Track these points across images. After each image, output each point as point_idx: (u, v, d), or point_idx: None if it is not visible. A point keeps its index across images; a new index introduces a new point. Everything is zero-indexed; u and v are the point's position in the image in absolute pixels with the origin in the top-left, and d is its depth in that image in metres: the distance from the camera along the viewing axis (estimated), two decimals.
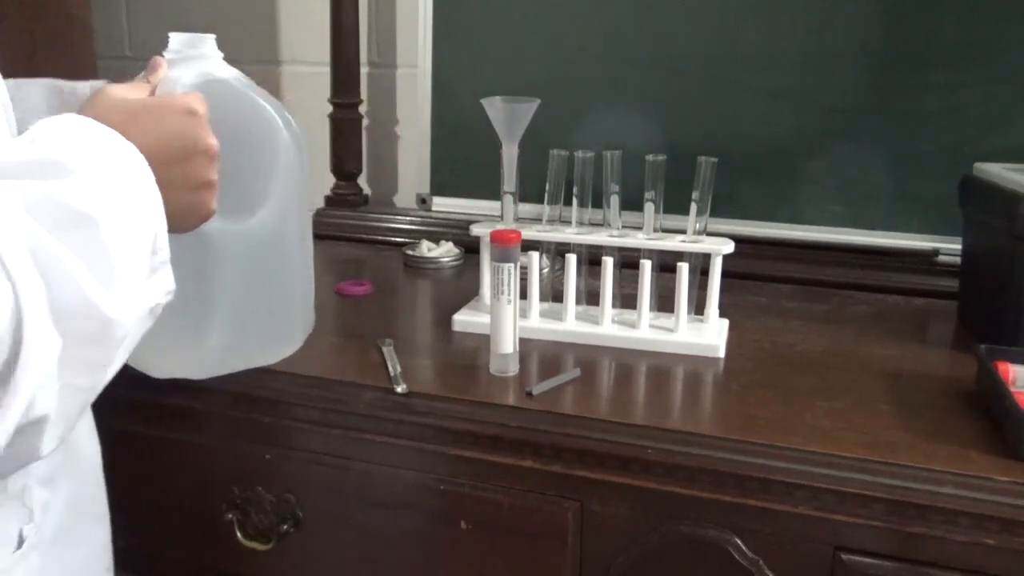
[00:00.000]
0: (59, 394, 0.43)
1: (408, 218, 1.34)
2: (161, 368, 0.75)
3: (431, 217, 1.33)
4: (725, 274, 0.89)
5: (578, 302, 0.93)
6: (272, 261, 0.74)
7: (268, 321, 0.76)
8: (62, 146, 0.46)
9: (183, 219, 0.57)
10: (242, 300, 0.72)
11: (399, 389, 0.76)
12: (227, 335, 0.73)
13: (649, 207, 0.90)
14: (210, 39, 0.69)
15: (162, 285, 0.51)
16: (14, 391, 0.40)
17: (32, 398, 0.41)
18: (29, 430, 0.42)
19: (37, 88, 0.67)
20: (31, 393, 0.40)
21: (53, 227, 0.42)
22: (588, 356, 0.86)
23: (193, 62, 0.68)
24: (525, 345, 0.87)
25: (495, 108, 0.89)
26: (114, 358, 0.47)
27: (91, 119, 0.50)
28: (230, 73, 0.70)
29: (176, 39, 0.69)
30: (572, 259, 0.91)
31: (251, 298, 0.73)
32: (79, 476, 0.63)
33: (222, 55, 0.70)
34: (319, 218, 1.37)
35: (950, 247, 1.09)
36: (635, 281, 0.89)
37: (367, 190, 1.42)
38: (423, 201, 1.34)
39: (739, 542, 0.68)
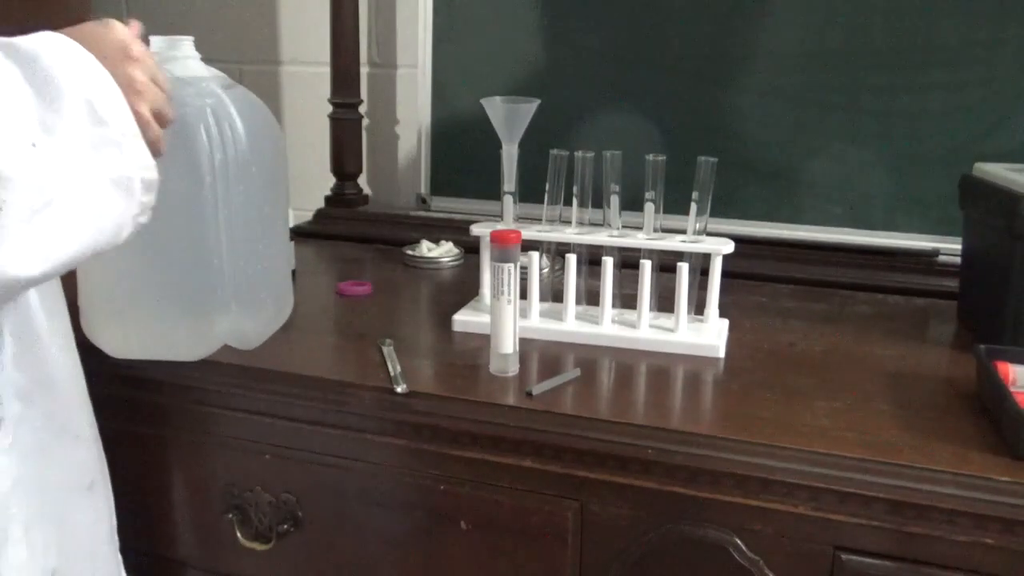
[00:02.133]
0: None
1: (408, 218, 1.34)
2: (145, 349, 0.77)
3: (431, 217, 1.33)
4: (725, 274, 0.89)
5: (578, 302, 0.93)
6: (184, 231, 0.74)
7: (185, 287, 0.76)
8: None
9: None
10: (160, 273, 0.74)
11: (399, 389, 0.76)
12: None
13: (649, 207, 0.90)
14: (188, 41, 0.74)
15: (128, 160, 0.54)
16: None
17: None
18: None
19: None
20: None
21: None
22: (588, 356, 0.86)
23: (174, 62, 0.73)
24: (525, 345, 0.87)
25: (495, 108, 0.89)
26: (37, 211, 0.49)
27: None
28: (208, 72, 0.75)
29: (155, 42, 0.73)
30: (572, 259, 0.91)
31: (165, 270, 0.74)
32: (57, 396, 0.65)
33: (199, 56, 0.76)
34: (319, 218, 1.37)
35: (950, 247, 1.09)
36: (635, 281, 0.89)
37: (367, 190, 1.42)
38: (423, 201, 1.34)
39: (739, 542, 0.68)
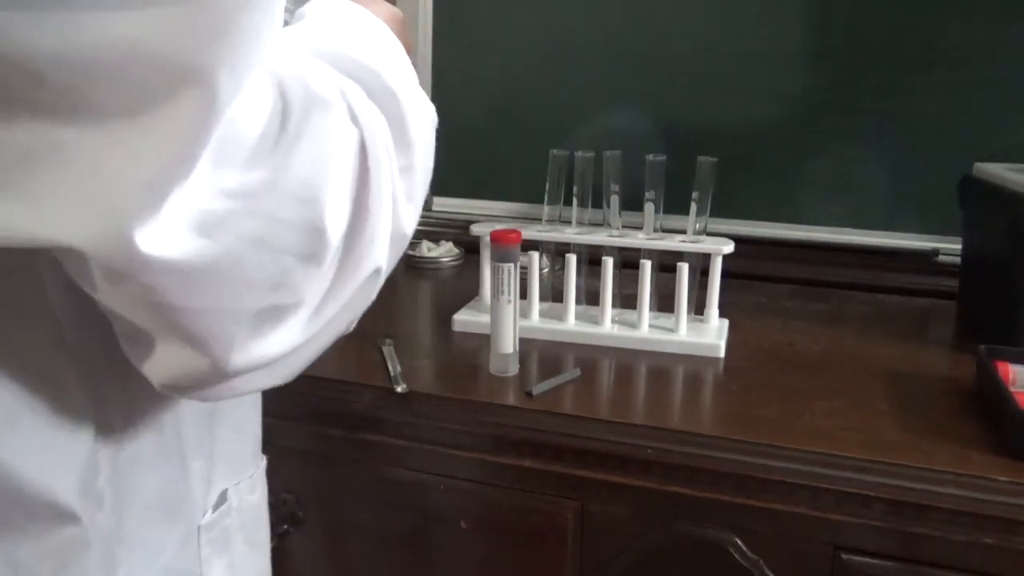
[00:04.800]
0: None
1: None
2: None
3: (431, 217, 1.33)
4: (725, 274, 0.89)
5: (578, 302, 0.93)
6: None
7: None
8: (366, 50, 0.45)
9: None
10: None
11: (399, 389, 0.76)
12: None
13: (649, 207, 0.90)
14: None
15: (419, 186, 0.50)
16: (371, 239, 0.40)
17: (380, 242, 0.41)
18: (373, 277, 0.42)
19: None
20: (382, 236, 0.41)
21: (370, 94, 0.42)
22: (588, 356, 0.86)
23: None
24: (525, 345, 0.87)
25: None
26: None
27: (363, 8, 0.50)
28: None
29: None
30: (572, 259, 0.91)
31: None
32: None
33: None
34: None
35: (950, 247, 1.09)
36: (635, 281, 0.89)
37: None
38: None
39: (739, 542, 0.68)
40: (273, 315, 0.37)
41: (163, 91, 0.30)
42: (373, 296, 0.44)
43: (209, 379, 0.37)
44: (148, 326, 0.35)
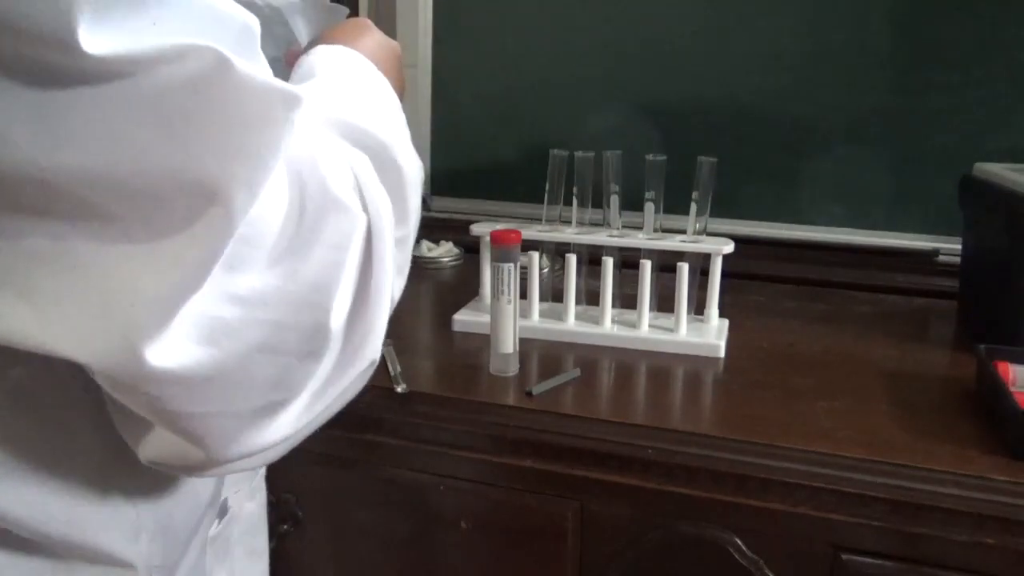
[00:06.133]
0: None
1: None
2: None
3: (431, 217, 1.33)
4: (725, 274, 0.89)
5: (578, 302, 0.93)
6: None
7: None
8: (374, 118, 0.45)
9: None
10: None
11: (399, 389, 0.76)
12: None
13: (649, 207, 0.90)
14: None
15: (408, 257, 0.49)
16: (374, 319, 0.40)
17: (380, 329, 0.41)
18: (368, 369, 0.42)
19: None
20: (383, 320, 0.41)
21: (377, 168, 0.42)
22: (588, 356, 0.86)
23: None
24: (525, 345, 0.87)
25: None
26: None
27: (367, 60, 0.50)
28: None
29: None
30: (572, 259, 0.91)
31: None
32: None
33: None
34: None
35: (950, 247, 1.09)
36: (635, 281, 0.89)
37: None
38: (423, 201, 1.34)
39: (739, 542, 0.68)
40: (270, 409, 0.37)
41: (179, 207, 0.30)
42: (366, 381, 0.44)
43: (200, 467, 0.38)
44: (147, 418, 0.35)
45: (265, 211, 0.33)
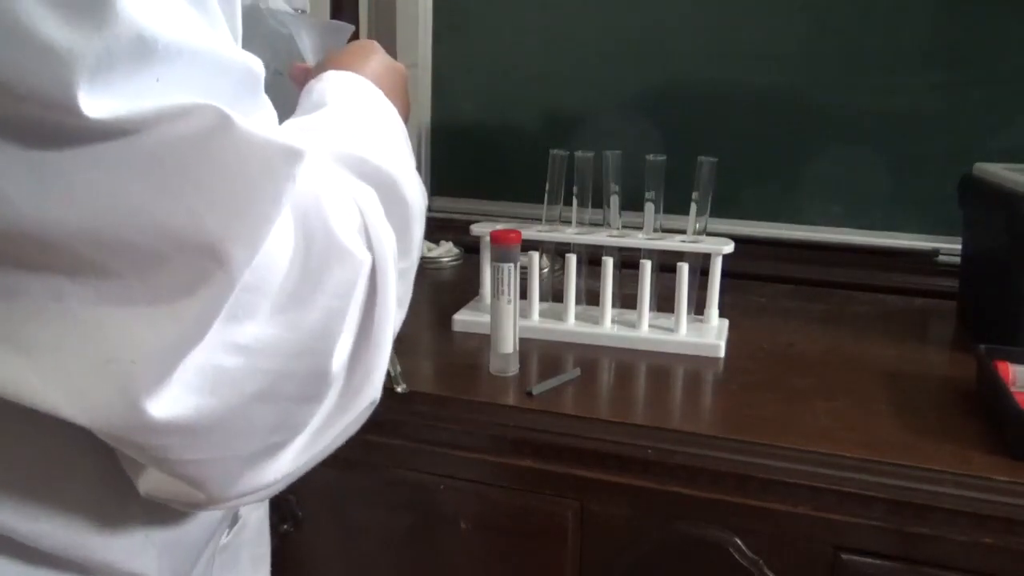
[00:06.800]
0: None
1: None
2: None
3: (431, 217, 1.33)
4: (725, 274, 0.89)
5: (578, 302, 0.93)
6: None
7: None
8: (377, 149, 0.45)
9: None
10: None
11: (399, 389, 0.76)
12: None
13: (649, 207, 0.90)
14: None
15: (409, 288, 0.50)
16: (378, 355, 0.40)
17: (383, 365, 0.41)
18: (368, 408, 0.43)
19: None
20: (386, 356, 0.41)
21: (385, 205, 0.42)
22: (588, 356, 0.86)
23: None
24: (525, 345, 0.87)
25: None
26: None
27: (375, 88, 0.50)
28: None
29: None
30: (572, 259, 0.91)
31: None
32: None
33: None
34: None
35: (950, 247, 1.09)
36: (635, 281, 0.89)
37: None
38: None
39: (739, 542, 0.68)
40: (270, 451, 0.37)
41: (179, 265, 0.30)
42: (367, 417, 0.44)
43: (200, 505, 0.38)
44: (147, 464, 0.36)
45: (270, 258, 0.33)
